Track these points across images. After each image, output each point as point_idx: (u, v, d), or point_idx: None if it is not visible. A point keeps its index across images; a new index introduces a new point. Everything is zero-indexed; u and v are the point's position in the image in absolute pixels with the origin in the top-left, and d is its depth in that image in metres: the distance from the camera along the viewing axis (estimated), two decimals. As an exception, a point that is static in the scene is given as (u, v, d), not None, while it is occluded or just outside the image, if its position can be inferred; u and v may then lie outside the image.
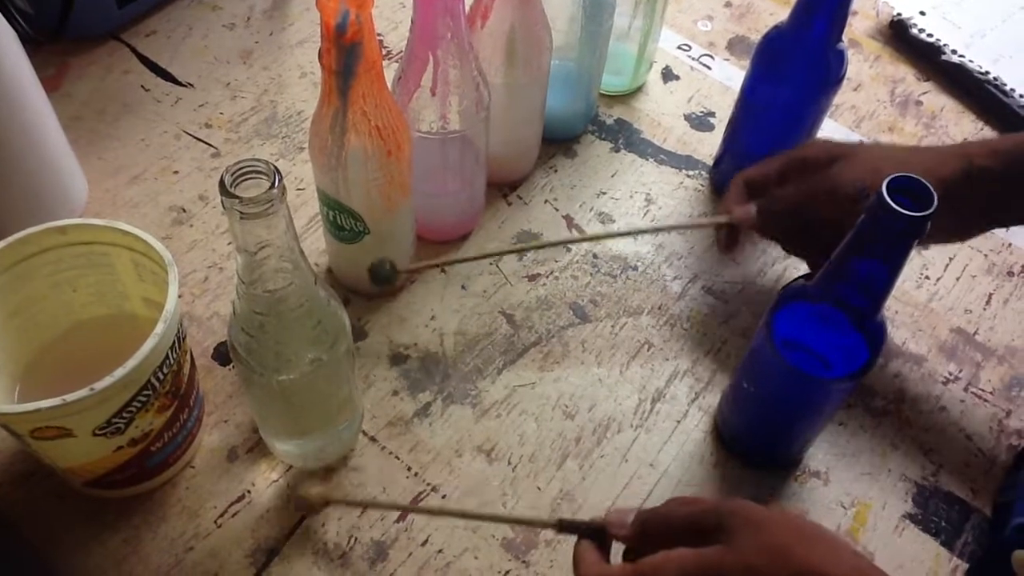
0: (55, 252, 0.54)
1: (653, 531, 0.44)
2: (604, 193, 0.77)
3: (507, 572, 0.56)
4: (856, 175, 0.58)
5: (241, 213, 0.40)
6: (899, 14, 0.92)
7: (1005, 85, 0.86)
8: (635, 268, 0.72)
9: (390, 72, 0.61)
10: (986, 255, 0.75)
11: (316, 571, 0.55)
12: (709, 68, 0.88)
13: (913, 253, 0.48)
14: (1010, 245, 0.76)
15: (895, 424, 0.64)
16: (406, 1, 0.91)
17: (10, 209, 0.65)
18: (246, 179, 0.41)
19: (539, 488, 0.60)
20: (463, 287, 0.69)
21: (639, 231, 0.73)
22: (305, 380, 0.51)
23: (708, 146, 0.81)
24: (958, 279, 0.73)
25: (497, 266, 0.71)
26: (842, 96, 0.86)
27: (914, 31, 0.91)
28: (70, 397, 0.45)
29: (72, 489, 0.56)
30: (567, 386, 0.65)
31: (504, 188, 0.76)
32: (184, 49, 0.84)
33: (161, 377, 0.50)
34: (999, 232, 0.76)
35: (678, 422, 0.63)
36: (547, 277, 0.71)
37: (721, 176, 0.77)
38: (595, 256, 0.72)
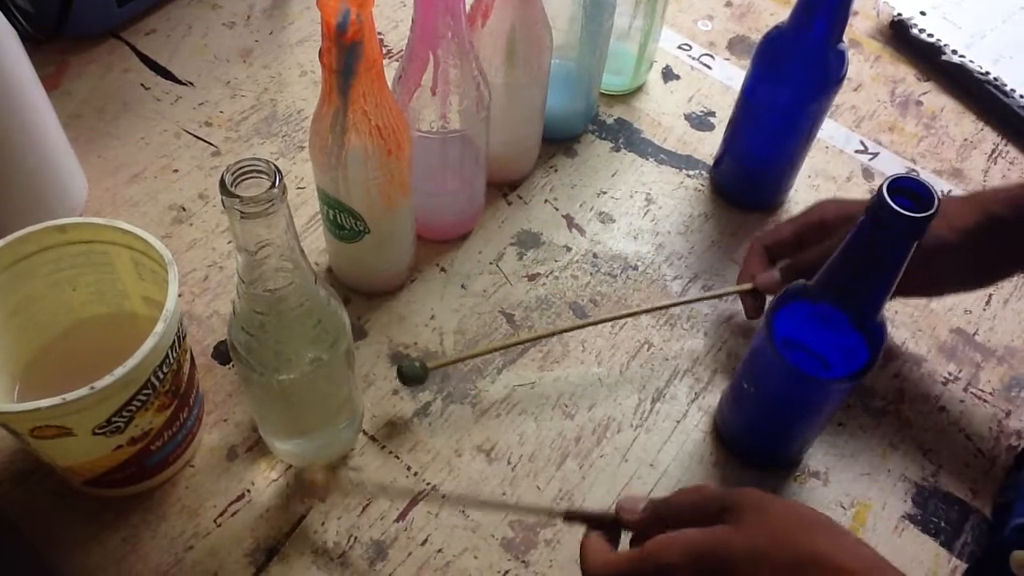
0: (55, 251, 0.54)
1: (663, 516, 0.45)
2: (604, 193, 0.77)
3: (506, 572, 0.56)
4: None
5: (241, 212, 0.40)
6: (899, 14, 0.92)
7: (1005, 85, 0.86)
8: (635, 268, 0.72)
9: (390, 71, 0.61)
10: (986, 255, 0.75)
11: (315, 570, 0.55)
12: (709, 68, 0.88)
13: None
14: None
15: (895, 424, 0.64)
16: (406, 0, 0.91)
17: (10, 208, 0.65)
18: (246, 178, 0.41)
19: (539, 488, 0.60)
20: (463, 286, 0.69)
21: (660, 308, 0.68)
22: (305, 379, 0.51)
23: (708, 146, 0.81)
24: (958, 279, 0.73)
25: (497, 265, 0.71)
26: (842, 96, 0.86)
27: (914, 31, 0.91)
28: (70, 396, 0.45)
29: (72, 488, 0.56)
30: (567, 386, 0.65)
31: (504, 187, 0.76)
32: (184, 47, 0.84)
33: (161, 376, 0.50)
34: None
35: (678, 422, 0.64)
36: (547, 277, 0.71)
37: (721, 176, 0.78)
38: (595, 256, 0.72)
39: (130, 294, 0.58)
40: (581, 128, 0.81)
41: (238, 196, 0.40)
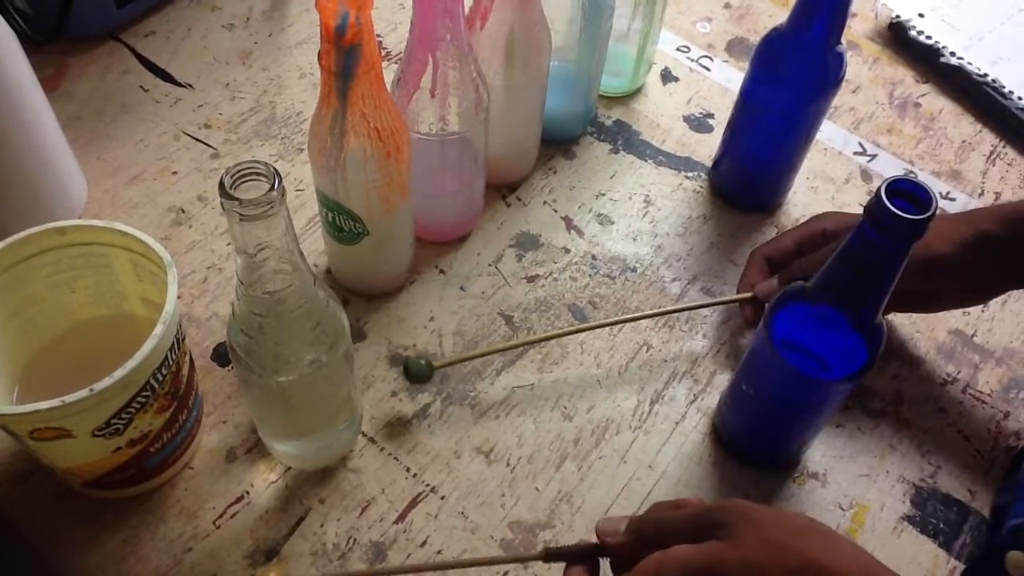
0: (54, 253, 0.54)
1: (648, 536, 0.44)
2: (603, 194, 0.77)
3: (505, 573, 0.56)
4: None
5: (241, 215, 0.40)
6: (898, 16, 0.92)
7: (1004, 87, 0.86)
8: (634, 269, 0.72)
9: (389, 73, 0.61)
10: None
11: (314, 572, 0.55)
12: (708, 70, 0.88)
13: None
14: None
15: (893, 425, 0.65)
16: (405, 2, 0.91)
17: (9, 210, 0.65)
18: (246, 180, 0.41)
19: (537, 489, 0.60)
20: (462, 288, 0.69)
21: (658, 313, 0.67)
22: (304, 381, 0.51)
23: (707, 147, 0.81)
24: (956, 281, 0.73)
25: (496, 267, 0.71)
26: (841, 98, 0.86)
27: (913, 33, 0.91)
28: (69, 398, 0.45)
29: (71, 489, 0.56)
30: (566, 387, 0.65)
31: (503, 189, 0.76)
32: (183, 49, 0.84)
33: (160, 378, 0.50)
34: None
35: (677, 423, 0.64)
36: (546, 278, 0.71)
37: (720, 177, 0.78)
38: (594, 258, 0.72)
39: (129, 296, 0.58)
40: (580, 130, 0.81)
41: (237, 199, 0.40)
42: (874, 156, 0.82)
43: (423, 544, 0.57)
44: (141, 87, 0.81)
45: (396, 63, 0.83)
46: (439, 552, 0.56)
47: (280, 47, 0.86)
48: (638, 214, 0.76)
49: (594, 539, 0.47)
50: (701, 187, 0.78)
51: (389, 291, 0.69)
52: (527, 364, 0.66)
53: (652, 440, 0.63)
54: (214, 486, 0.58)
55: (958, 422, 0.65)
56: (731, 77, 0.87)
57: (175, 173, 0.75)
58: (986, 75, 0.87)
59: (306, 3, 0.90)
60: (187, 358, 0.55)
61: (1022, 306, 0.72)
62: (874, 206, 0.44)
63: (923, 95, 0.88)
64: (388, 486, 0.59)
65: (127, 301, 0.58)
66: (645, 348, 0.67)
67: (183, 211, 0.72)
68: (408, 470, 0.60)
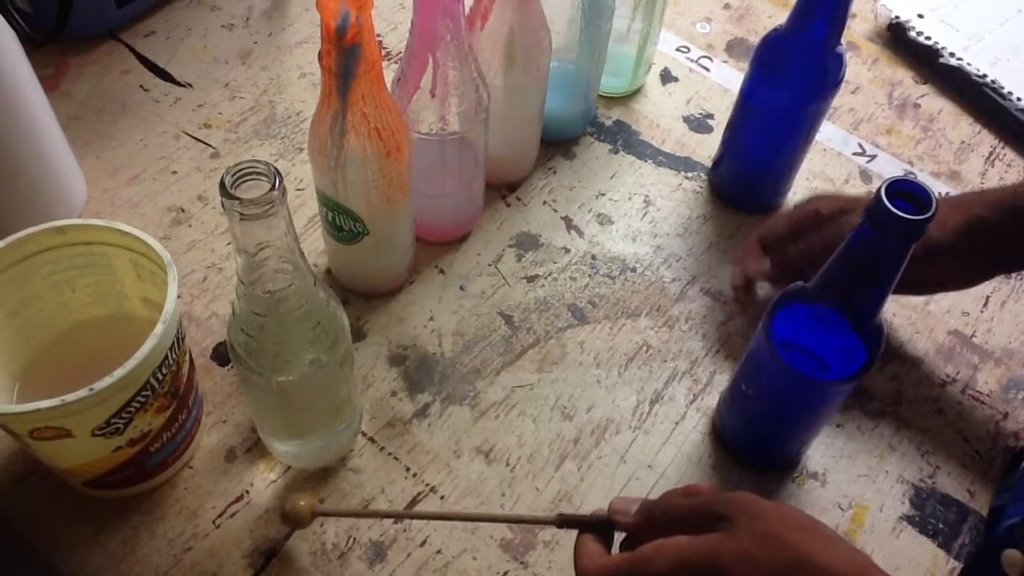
0: (54, 252, 0.54)
1: (656, 520, 0.45)
2: (603, 195, 0.77)
3: (505, 573, 0.56)
4: None
5: (241, 214, 0.40)
6: (897, 17, 0.92)
7: (1003, 88, 0.86)
8: (633, 270, 0.72)
9: (389, 73, 0.61)
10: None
11: (314, 572, 0.55)
12: (708, 70, 0.88)
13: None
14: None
15: (893, 426, 0.65)
16: (405, 2, 0.91)
17: (9, 209, 0.65)
18: (246, 180, 0.41)
19: (537, 489, 0.60)
20: (461, 288, 0.69)
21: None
22: (304, 381, 0.51)
23: (707, 148, 0.81)
24: (955, 281, 0.73)
25: (496, 267, 0.71)
26: (840, 99, 0.86)
27: (912, 34, 0.91)
28: (69, 398, 0.45)
29: (71, 489, 0.56)
30: (565, 387, 0.65)
31: (503, 189, 0.76)
32: (183, 49, 0.84)
33: (160, 378, 0.50)
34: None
35: (676, 423, 0.64)
36: (545, 278, 0.71)
37: (720, 178, 0.78)
38: (594, 258, 0.72)
39: (129, 295, 0.58)
40: (580, 130, 0.81)
41: (238, 198, 0.40)
42: (873, 157, 0.82)
43: (423, 543, 0.57)
44: (141, 87, 0.81)
45: (396, 63, 0.83)
46: (439, 552, 0.56)
47: (280, 47, 0.86)
48: (638, 214, 0.76)
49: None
50: (701, 187, 0.78)
51: (389, 291, 0.69)
52: (527, 364, 0.66)
53: (652, 440, 0.63)
54: (214, 486, 0.58)
55: (957, 422, 0.65)
56: (731, 78, 0.87)
57: (175, 173, 0.75)
58: (985, 76, 0.87)
59: (306, 3, 0.90)
60: (187, 358, 0.55)
61: (1021, 307, 0.72)
62: (874, 207, 0.44)
63: (922, 96, 0.88)
64: (388, 486, 0.59)
65: (127, 301, 0.58)
66: (645, 348, 0.67)
67: (183, 211, 0.72)
68: (408, 470, 0.60)
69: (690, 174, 0.79)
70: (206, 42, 0.85)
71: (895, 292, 0.49)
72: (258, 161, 0.41)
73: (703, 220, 0.76)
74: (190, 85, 0.81)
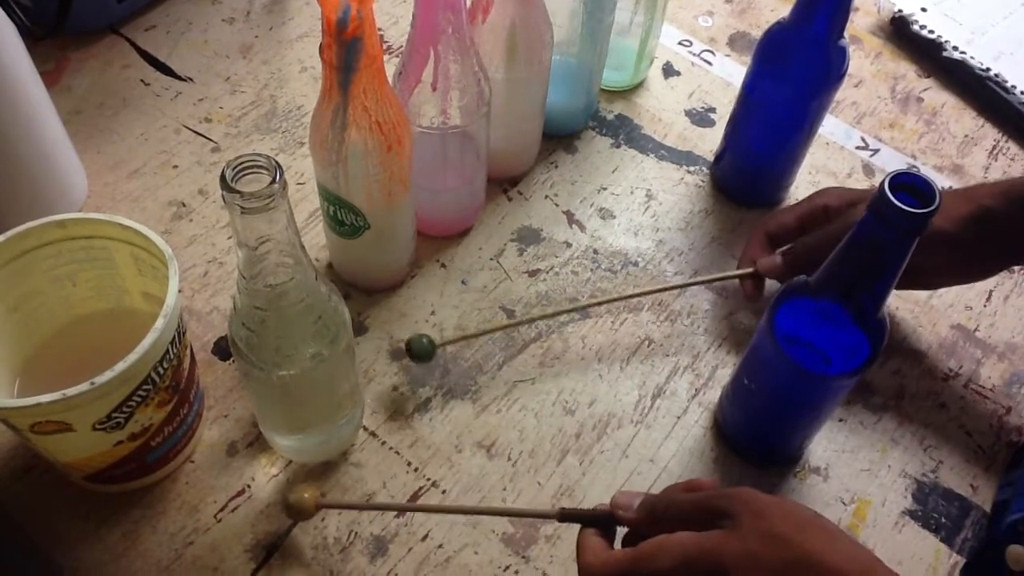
0: (55, 246, 0.54)
1: (659, 515, 0.45)
2: (605, 189, 0.77)
3: (507, 567, 0.56)
4: None
5: (242, 208, 0.40)
6: (900, 10, 0.92)
7: (1006, 82, 0.86)
8: (636, 264, 0.72)
9: (391, 67, 0.61)
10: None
11: (315, 566, 0.55)
12: (710, 64, 0.88)
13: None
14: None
15: (895, 420, 0.64)
16: (406, -4, 0.91)
17: (9, 203, 0.65)
18: (247, 174, 0.41)
19: (539, 484, 0.60)
20: (463, 282, 0.69)
21: (662, 290, 0.68)
22: (305, 375, 0.51)
23: (709, 142, 0.81)
24: (958, 276, 0.73)
25: (497, 261, 0.71)
26: (843, 92, 0.86)
27: (915, 27, 0.91)
28: (70, 391, 0.45)
29: (72, 484, 0.56)
30: (567, 382, 0.65)
31: (504, 183, 0.76)
32: (184, 43, 0.84)
33: (161, 372, 0.50)
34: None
35: (678, 418, 0.63)
36: (547, 273, 0.71)
37: (722, 172, 0.77)
38: (595, 252, 0.72)
39: (130, 290, 0.58)
40: (582, 124, 0.81)
41: (239, 192, 0.40)
42: (876, 151, 0.82)
43: (424, 538, 0.57)
44: (142, 81, 0.81)
45: (397, 57, 0.83)
46: (440, 546, 0.56)
47: (281, 41, 0.86)
48: (640, 208, 0.76)
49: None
50: (703, 182, 0.78)
51: (390, 285, 0.68)
52: (528, 358, 0.66)
53: (654, 434, 0.63)
54: (215, 480, 0.58)
55: (960, 417, 0.65)
56: (733, 71, 0.87)
57: (176, 167, 0.75)
58: (988, 70, 0.87)
59: (307, -3, 0.90)
60: (188, 352, 0.55)
61: (1024, 301, 0.72)
62: (877, 200, 0.44)
63: (925, 90, 0.88)
64: (389, 480, 0.59)
65: (128, 295, 0.58)
66: (647, 342, 0.67)
67: (184, 205, 0.72)
68: (409, 464, 0.60)
69: (692, 168, 0.79)
70: (207, 36, 0.85)
71: (900, 287, 0.49)
72: (259, 155, 0.41)
73: (705, 214, 0.76)
74: (191, 79, 0.81)
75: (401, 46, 0.85)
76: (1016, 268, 0.74)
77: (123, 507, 0.56)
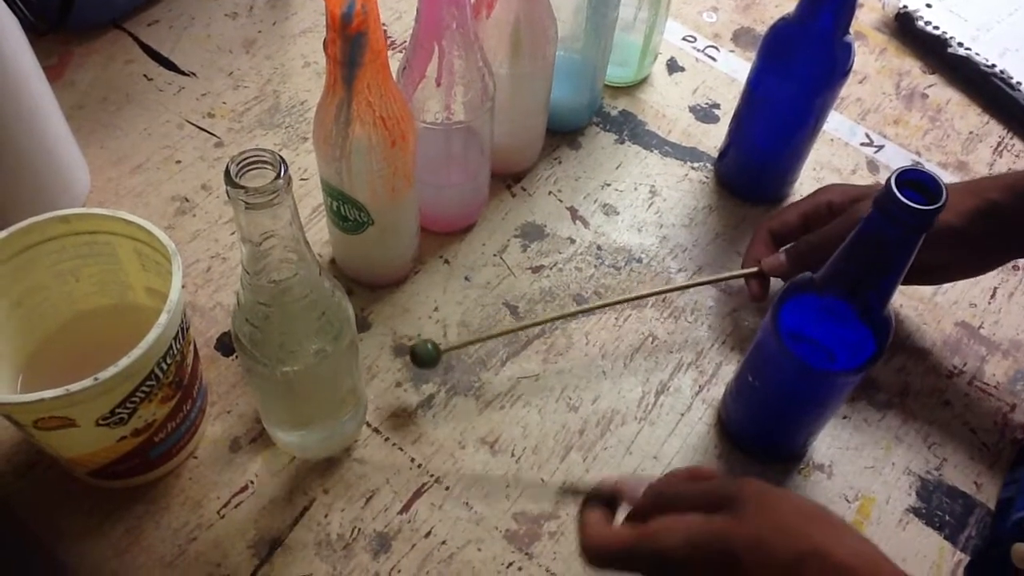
0: (58, 242, 0.54)
1: (664, 504, 0.45)
2: (608, 185, 0.77)
3: (510, 564, 0.56)
4: None
5: (246, 203, 0.40)
6: (905, 6, 0.92)
7: (1011, 78, 0.85)
8: (639, 260, 0.72)
9: (395, 62, 0.61)
10: (991, 249, 0.75)
11: (319, 562, 0.55)
12: (714, 60, 0.88)
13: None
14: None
15: (899, 418, 0.64)
16: (410, -9, 0.91)
17: (13, 198, 0.65)
18: (251, 169, 0.41)
19: (543, 480, 0.60)
20: (467, 278, 0.69)
21: (665, 291, 0.68)
22: (309, 371, 0.50)
23: (713, 138, 0.81)
24: (963, 273, 0.73)
25: (501, 257, 0.71)
26: (847, 89, 0.86)
27: (920, 24, 0.90)
28: (74, 387, 0.45)
29: (75, 479, 0.56)
30: (571, 378, 0.65)
31: (508, 179, 0.76)
32: (187, 38, 0.84)
33: (164, 367, 0.50)
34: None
35: (682, 415, 0.63)
36: (551, 269, 0.70)
37: (726, 168, 0.77)
38: (599, 248, 0.72)
39: (133, 285, 0.58)
40: (585, 120, 0.81)
41: (243, 187, 0.40)
42: (881, 147, 0.82)
43: (427, 535, 0.57)
44: (145, 76, 0.81)
45: (402, 52, 0.82)
46: (443, 543, 0.56)
47: (284, 35, 0.85)
48: (643, 205, 0.76)
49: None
50: (707, 178, 0.78)
51: (394, 281, 0.68)
52: (532, 355, 0.65)
53: (657, 431, 0.62)
54: (218, 476, 0.58)
55: (964, 414, 0.65)
56: (737, 67, 0.87)
57: (179, 162, 0.75)
58: (994, 66, 0.86)
59: (310, -8, 0.90)
60: (191, 348, 0.55)
61: (1029, 298, 0.72)
62: (883, 196, 0.44)
63: (930, 86, 0.88)
64: (393, 476, 0.59)
65: (131, 290, 0.58)
66: (650, 339, 0.67)
67: (187, 200, 0.72)
68: (413, 460, 0.60)
69: (696, 164, 0.79)
70: (210, 31, 0.85)
71: (906, 282, 0.48)
72: (263, 150, 0.41)
73: (709, 211, 0.76)
74: (194, 74, 0.81)
75: (405, 41, 0.85)
76: (1021, 263, 0.74)
77: (126, 503, 0.56)
